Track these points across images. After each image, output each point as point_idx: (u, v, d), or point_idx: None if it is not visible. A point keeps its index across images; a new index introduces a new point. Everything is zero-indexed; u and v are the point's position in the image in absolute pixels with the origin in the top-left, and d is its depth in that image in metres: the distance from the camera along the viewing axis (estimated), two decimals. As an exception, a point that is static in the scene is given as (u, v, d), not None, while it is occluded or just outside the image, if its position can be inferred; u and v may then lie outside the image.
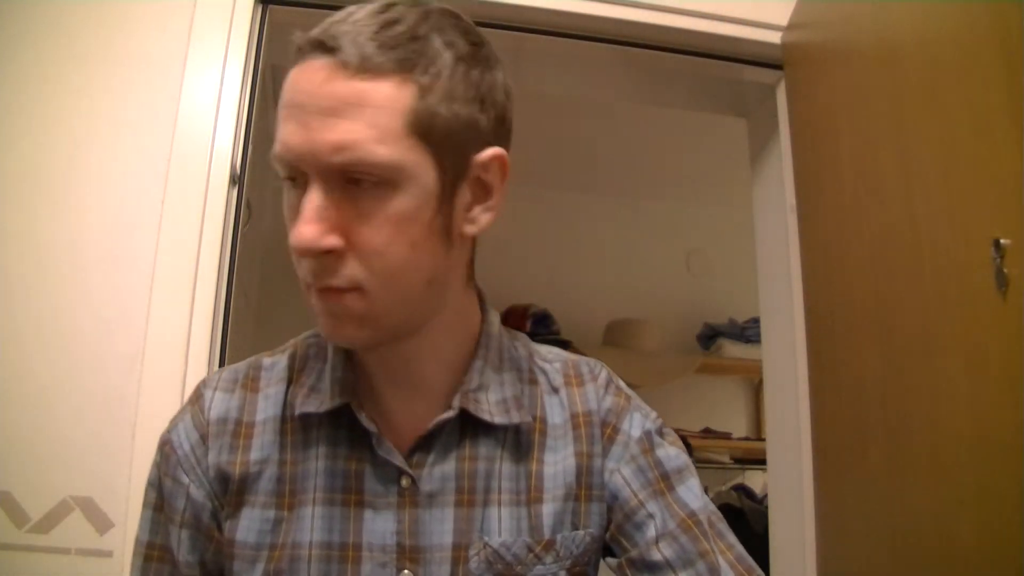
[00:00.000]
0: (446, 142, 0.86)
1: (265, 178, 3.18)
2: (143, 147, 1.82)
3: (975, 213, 1.38)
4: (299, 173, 0.85)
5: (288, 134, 0.84)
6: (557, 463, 1.01)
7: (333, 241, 0.84)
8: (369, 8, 0.86)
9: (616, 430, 1.05)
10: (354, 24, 0.84)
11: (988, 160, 1.35)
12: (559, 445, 1.03)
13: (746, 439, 4.19)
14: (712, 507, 1.02)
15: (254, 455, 0.99)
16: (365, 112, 0.81)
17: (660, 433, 1.07)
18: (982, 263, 1.33)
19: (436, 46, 0.86)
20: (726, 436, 4.15)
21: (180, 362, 1.71)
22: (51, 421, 1.66)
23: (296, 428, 1.00)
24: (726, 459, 4.11)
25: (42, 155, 1.78)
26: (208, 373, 1.72)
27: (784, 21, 2.19)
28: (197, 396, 1.04)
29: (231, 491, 0.98)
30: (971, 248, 1.37)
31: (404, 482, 0.95)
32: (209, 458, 0.99)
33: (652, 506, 1.00)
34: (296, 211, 0.86)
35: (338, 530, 0.95)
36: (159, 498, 1.01)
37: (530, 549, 0.97)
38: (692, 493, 1.01)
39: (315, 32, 0.85)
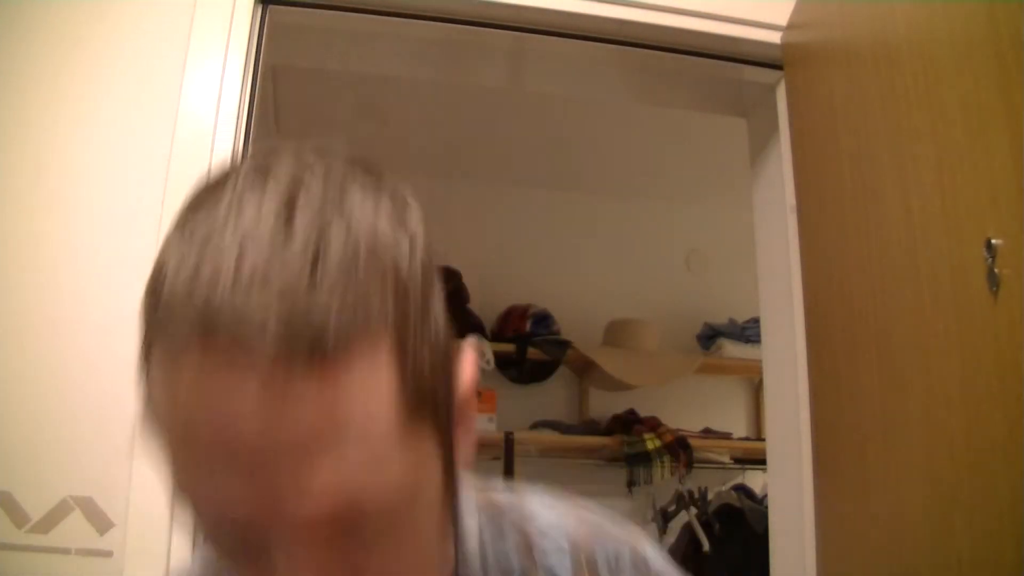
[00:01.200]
0: (436, 388, 0.59)
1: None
2: (143, 148, 1.83)
3: (968, 213, 1.38)
4: (253, 542, 0.54)
5: (228, 495, 0.51)
6: None
7: None
8: (254, 225, 0.51)
9: None
10: (264, 281, 0.49)
11: (981, 160, 1.35)
12: None
13: (746, 439, 4.19)
14: None
15: None
16: (348, 429, 0.51)
17: None
18: (975, 263, 1.33)
19: (383, 256, 0.54)
20: (726, 436, 4.15)
21: (179, 363, 1.71)
22: (51, 421, 1.66)
23: None
24: (726, 459, 4.11)
25: (41, 156, 1.79)
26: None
27: (784, 21, 2.18)
28: None
29: None
30: (964, 248, 1.37)
31: None
32: None
33: None
34: None
35: None
36: None
37: None
38: None
39: (207, 315, 0.49)
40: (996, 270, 1.28)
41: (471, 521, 0.77)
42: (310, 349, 0.49)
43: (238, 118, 1.89)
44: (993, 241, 1.29)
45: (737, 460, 4.13)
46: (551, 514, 0.83)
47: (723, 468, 4.11)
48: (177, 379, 0.51)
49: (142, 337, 0.56)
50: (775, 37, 2.21)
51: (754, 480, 4.02)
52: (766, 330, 2.37)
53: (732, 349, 4.20)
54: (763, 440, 2.94)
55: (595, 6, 2.12)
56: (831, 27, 1.97)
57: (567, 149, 4.11)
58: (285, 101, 3.55)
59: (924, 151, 1.52)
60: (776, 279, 2.26)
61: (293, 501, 0.51)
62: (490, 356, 3.77)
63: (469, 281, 3.83)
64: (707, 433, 4.12)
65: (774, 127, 2.29)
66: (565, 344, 3.97)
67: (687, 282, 4.55)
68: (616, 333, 4.14)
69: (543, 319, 4.01)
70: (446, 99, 3.62)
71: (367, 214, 0.55)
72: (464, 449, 0.66)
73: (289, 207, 0.52)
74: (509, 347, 3.91)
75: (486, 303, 3.95)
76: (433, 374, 0.58)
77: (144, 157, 1.82)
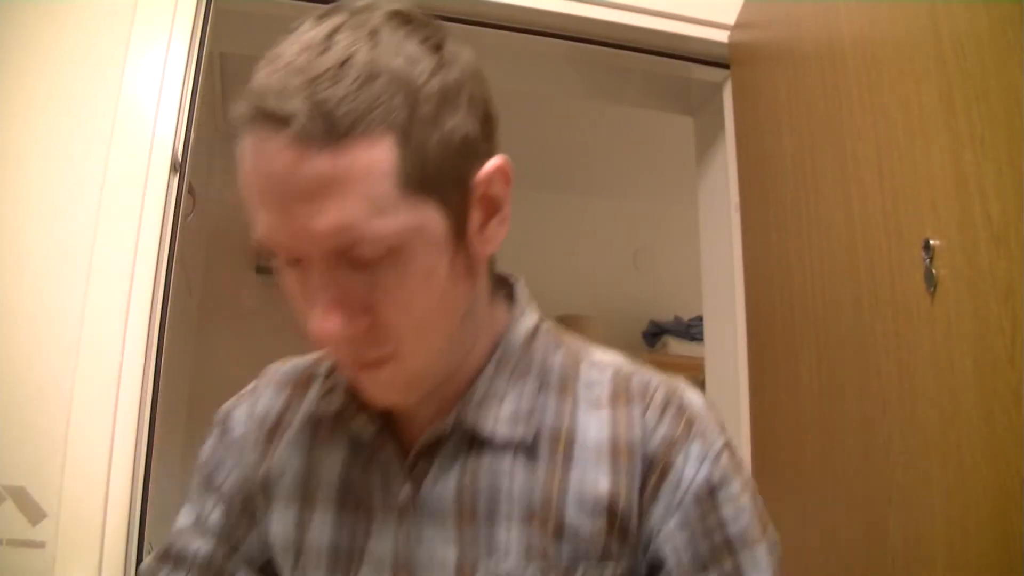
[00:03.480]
0: (444, 178, 0.78)
1: (212, 165, 3.15)
2: (83, 133, 1.79)
3: (908, 213, 1.40)
4: (294, 258, 0.78)
5: (270, 226, 0.75)
6: (585, 486, 0.86)
7: (359, 323, 0.78)
8: (305, 43, 0.74)
9: (667, 468, 0.87)
10: (300, 75, 0.72)
11: (921, 161, 1.36)
12: (587, 468, 0.87)
13: (690, 436, 4.21)
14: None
15: (282, 454, 0.98)
16: (352, 186, 0.72)
17: (724, 478, 0.88)
18: (913, 263, 1.34)
19: (400, 72, 0.74)
20: (670, 433, 4.17)
21: (116, 354, 1.68)
22: (-16, 409, 1.64)
23: (323, 429, 0.97)
24: (670, 456, 4.12)
25: (-24, 139, 1.76)
26: (144, 364, 1.71)
27: (732, 20, 2.20)
28: (254, 388, 1.06)
29: (262, 488, 0.97)
30: (903, 248, 1.39)
31: (406, 491, 0.88)
32: (247, 454, 1.00)
33: None
34: (301, 292, 0.80)
35: (345, 534, 0.91)
36: (204, 477, 1.03)
37: None
38: (756, 566, 0.87)
39: (259, 99, 0.73)
40: (934, 271, 1.30)
41: (526, 322, 0.97)
42: (325, 126, 0.70)
43: (180, 104, 1.86)
44: (931, 242, 1.30)
45: (681, 456, 4.15)
46: (607, 354, 0.98)
47: (666, 464, 4.13)
48: (242, 148, 0.75)
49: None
50: (723, 36, 2.22)
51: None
52: (709, 327, 2.38)
53: (677, 347, 4.21)
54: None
55: (545, 1, 2.12)
56: (777, 27, 1.98)
57: (516, 145, 4.07)
58: (233, 89, 3.51)
59: (865, 152, 1.53)
60: (719, 277, 2.27)
61: (311, 233, 0.73)
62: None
63: (415, 275, 3.79)
64: (651, 430, 4.14)
65: (720, 125, 2.30)
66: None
67: (634, 279, 4.57)
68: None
69: (489, 313, 4.00)
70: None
71: (392, 46, 0.75)
72: (498, 229, 0.86)
73: (331, 35, 0.74)
74: (454, 341, 3.86)
75: (432, 297, 3.89)
76: (440, 166, 0.77)
77: (84, 142, 1.79)
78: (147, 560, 1.01)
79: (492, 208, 0.85)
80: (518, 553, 0.85)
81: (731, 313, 2.15)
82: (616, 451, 0.87)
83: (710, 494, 0.86)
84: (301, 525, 0.94)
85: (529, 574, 0.84)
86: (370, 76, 0.72)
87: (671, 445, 0.87)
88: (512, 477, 0.87)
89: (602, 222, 4.59)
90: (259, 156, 0.73)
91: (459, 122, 0.78)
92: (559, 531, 0.85)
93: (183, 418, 3.27)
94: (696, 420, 0.90)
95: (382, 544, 0.88)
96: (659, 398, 0.90)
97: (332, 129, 0.70)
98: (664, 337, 4.27)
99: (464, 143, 0.79)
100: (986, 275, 1.20)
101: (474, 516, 0.86)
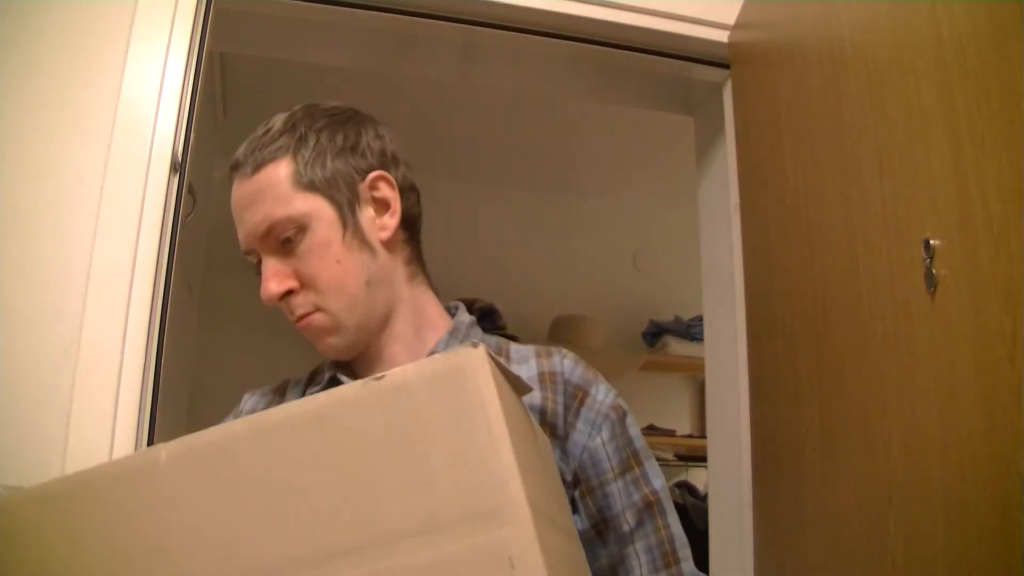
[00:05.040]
0: (329, 184, 1.20)
1: (212, 166, 3.15)
2: (82, 132, 1.79)
3: (908, 214, 1.39)
4: (254, 253, 1.20)
5: (238, 232, 1.20)
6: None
7: (288, 284, 1.18)
8: (259, 128, 1.23)
9: (586, 394, 1.21)
10: (247, 143, 1.21)
11: (921, 161, 1.36)
12: None
13: (690, 436, 4.22)
14: (664, 483, 1.21)
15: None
16: (265, 193, 1.17)
17: (626, 410, 1.23)
18: (913, 264, 1.34)
19: (300, 130, 1.21)
20: (670, 433, 4.17)
21: (116, 354, 1.68)
22: (-18, 410, 1.63)
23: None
24: (670, 456, 4.13)
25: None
26: (144, 364, 1.71)
27: (732, 20, 2.20)
28: (233, 410, 1.35)
29: None
30: (903, 248, 1.38)
31: None
32: None
33: (625, 479, 1.18)
34: (257, 278, 1.19)
35: None
36: None
37: None
38: (655, 471, 1.20)
39: (233, 158, 1.21)
40: (934, 271, 1.29)
41: (466, 316, 1.34)
42: (252, 167, 1.18)
43: (180, 104, 1.86)
44: (931, 242, 1.30)
45: (681, 457, 4.16)
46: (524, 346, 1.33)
47: (667, 465, 4.13)
48: (230, 188, 1.21)
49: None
50: (723, 36, 2.22)
51: (697, 477, 4.06)
52: (709, 328, 2.38)
53: (677, 347, 4.22)
54: (706, 438, 2.96)
55: (546, 1, 2.12)
56: (777, 26, 1.98)
57: (515, 146, 4.10)
58: (233, 89, 3.51)
59: (865, 151, 1.53)
60: (719, 277, 2.27)
61: (251, 227, 1.17)
62: (435, 350, 3.75)
63: (415, 274, 3.79)
64: (651, 430, 4.14)
65: (720, 125, 2.30)
66: (511, 339, 3.95)
67: (634, 279, 4.57)
68: (562, 329, 4.14)
69: (489, 313, 3.97)
70: (393, 92, 3.60)
71: (298, 118, 1.23)
72: (389, 222, 1.24)
73: (268, 121, 1.23)
74: (455, 341, 3.86)
75: (432, 297, 3.88)
76: (326, 175, 1.19)
77: (83, 142, 1.79)
78: None
79: (383, 206, 1.25)
80: None
81: (731, 313, 2.15)
82: (543, 378, 1.22)
83: (622, 418, 1.21)
84: None
85: None
86: (280, 133, 1.21)
87: (587, 382, 1.23)
88: None
89: (602, 222, 4.59)
90: (232, 192, 1.20)
91: (344, 158, 1.22)
92: None
93: (183, 418, 3.27)
94: (599, 374, 1.26)
95: None
96: (572, 355, 1.27)
97: (256, 165, 1.18)
98: (664, 337, 4.27)
99: (345, 167, 1.22)
100: (986, 275, 1.20)
101: None
